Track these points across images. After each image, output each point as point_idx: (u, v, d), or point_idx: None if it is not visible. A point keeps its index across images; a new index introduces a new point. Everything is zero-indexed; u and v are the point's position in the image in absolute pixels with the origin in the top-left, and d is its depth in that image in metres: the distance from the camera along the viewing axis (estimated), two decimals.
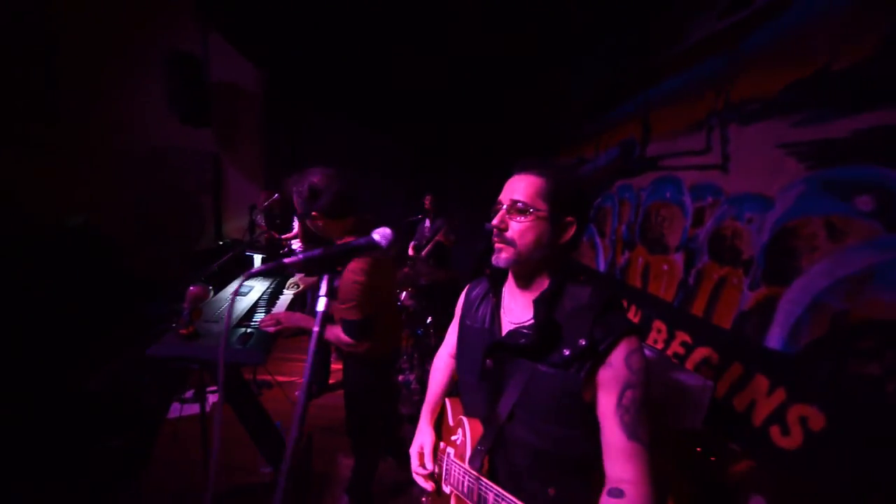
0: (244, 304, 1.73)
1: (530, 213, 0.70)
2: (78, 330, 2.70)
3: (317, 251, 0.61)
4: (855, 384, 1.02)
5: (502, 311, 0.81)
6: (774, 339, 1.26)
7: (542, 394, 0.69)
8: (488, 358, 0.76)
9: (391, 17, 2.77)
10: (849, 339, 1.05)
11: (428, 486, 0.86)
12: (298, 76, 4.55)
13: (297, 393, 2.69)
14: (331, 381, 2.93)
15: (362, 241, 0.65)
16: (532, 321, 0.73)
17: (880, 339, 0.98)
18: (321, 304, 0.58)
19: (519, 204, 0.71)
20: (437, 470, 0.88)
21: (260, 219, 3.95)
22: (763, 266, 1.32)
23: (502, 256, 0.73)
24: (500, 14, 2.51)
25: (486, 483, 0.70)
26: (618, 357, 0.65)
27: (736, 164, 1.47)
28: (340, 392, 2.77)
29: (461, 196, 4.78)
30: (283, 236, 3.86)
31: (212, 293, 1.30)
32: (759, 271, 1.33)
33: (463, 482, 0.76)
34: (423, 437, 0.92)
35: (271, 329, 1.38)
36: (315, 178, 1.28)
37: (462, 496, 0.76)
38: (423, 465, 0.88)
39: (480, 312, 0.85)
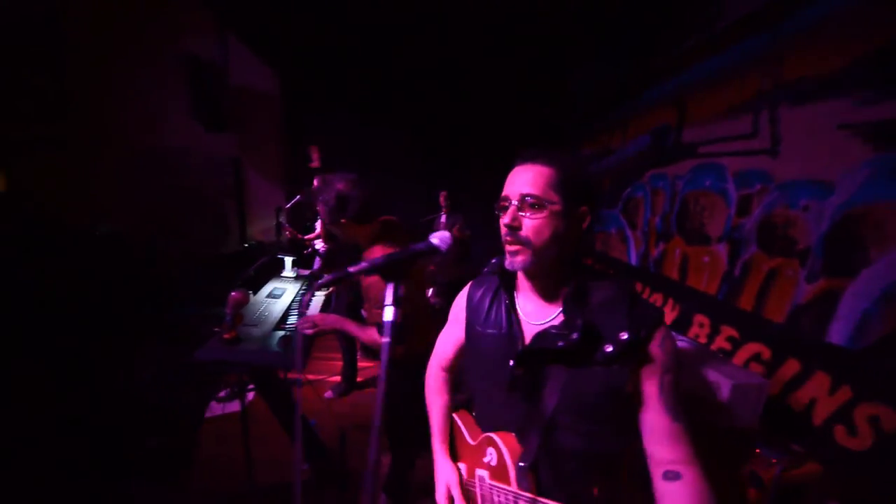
0: (279, 307, 1.75)
1: (544, 207, 0.65)
2: (111, 335, 2.81)
3: (380, 259, 0.59)
4: None
5: (518, 312, 0.76)
6: (837, 333, 1.18)
7: (586, 394, 0.66)
8: (519, 366, 0.71)
9: (406, 15, 2.74)
10: None
11: None
12: (315, 77, 4.59)
13: (326, 394, 2.73)
14: (359, 380, 2.97)
15: (422, 245, 0.63)
16: (560, 321, 0.69)
17: None
18: (389, 314, 0.57)
19: (530, 199, 0.65)
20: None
21: (284, 220, 4.02)
22: (823, 256, 1.24)
23: (518, 259, 0.68)
24: (519, 8, 2.43)
25: (544, 503, 0.64)
26: (654, 346, 0.66)
27: (788, 148, 1.39)
28: (370, 390, 2.83)
29: (476, 192, 4.74)
30: (307, 237, 3.92)
31: (251, 297, 1.32)
32: (819, 262, 1.25)
33: (511, 502, 0.69)
34: (447, 474, 0.83)
35: (309, 331, 1.39)
36: (340, 185, 1.28)
37: None
38: None
39: (493, 316, 0.78)
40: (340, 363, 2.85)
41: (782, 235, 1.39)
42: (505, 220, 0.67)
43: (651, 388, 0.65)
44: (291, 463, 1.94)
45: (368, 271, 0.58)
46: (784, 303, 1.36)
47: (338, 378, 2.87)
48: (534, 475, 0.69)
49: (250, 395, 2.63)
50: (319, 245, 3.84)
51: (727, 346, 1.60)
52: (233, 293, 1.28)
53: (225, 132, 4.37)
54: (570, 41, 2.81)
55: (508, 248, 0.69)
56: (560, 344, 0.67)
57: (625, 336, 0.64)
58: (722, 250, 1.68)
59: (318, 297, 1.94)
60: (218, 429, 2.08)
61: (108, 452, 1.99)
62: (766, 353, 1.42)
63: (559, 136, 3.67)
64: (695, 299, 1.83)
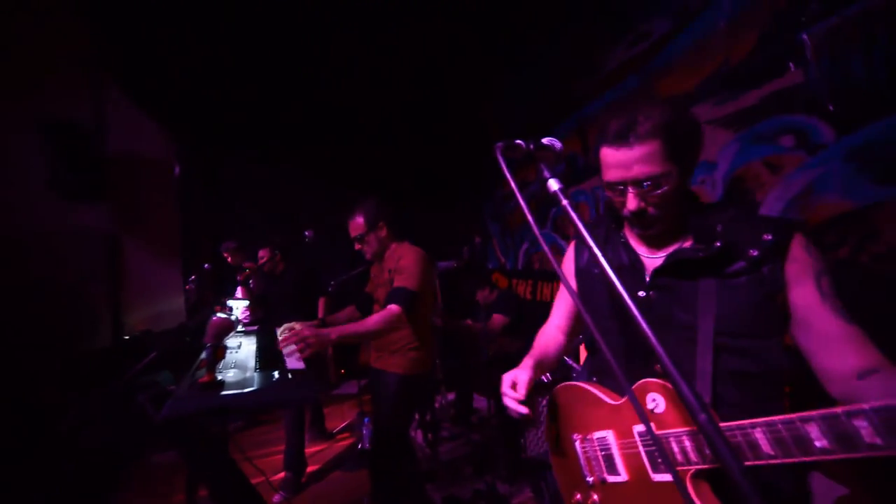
0: (244, 355, 1.39)
1: (665, 181, 0.64)
2: None
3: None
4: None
5: (635, 249, 0.75)
6: None
7: (741, 307, 0.62)
8: (651, 289, 0.69)
9: (307, 54, 2.84)
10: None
11: (523, 409, 0.73)
12: (217, 137, 4.26)
13: (275, 499, 2.04)
14: (310, 469, 2.35)
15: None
16: (690, 242, 0.68)
17: (838, 232, 1.30)
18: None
19: (648, 182, 0.64)
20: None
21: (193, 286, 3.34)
22: None
23: (652, 232, 0.69)
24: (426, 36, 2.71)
25: (748, 422, 0.53)
26: (798, 249, 0.61)
27: None
28: (331, 476, 2.30)
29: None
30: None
31: (238, 324, 1.02)
32: None
33: (701, 444, 0.57)
34: (522, 372, 0.78)
35: (300, 354, 1.12)
36: (367, 200, 1.59)
37: (706, 463, 0.57)
38: (515, 392, 0.75)
39: (611, 254, 0.77)
40: (279, 456, 2.20)
41: None
42: (630, 206, 0.66)
43: (809, 293, 0.59)
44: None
45: None
46: None
47: (281, 474, 2.19)
48: (717, 410, 0.61)
49: None
50: (241, 314, 3.26)
51: None
52: (214, 318, 0.99)
53: (98, 203, 3.64)
54: (482, 77, 3.21)
55: (639, 230, 0.70)
56: (700, 254, 0.64)
57: (768, 237, 0.62)
58: None
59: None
60: None
61: None
62: None
63: (477, 172, 4.07)
64: None
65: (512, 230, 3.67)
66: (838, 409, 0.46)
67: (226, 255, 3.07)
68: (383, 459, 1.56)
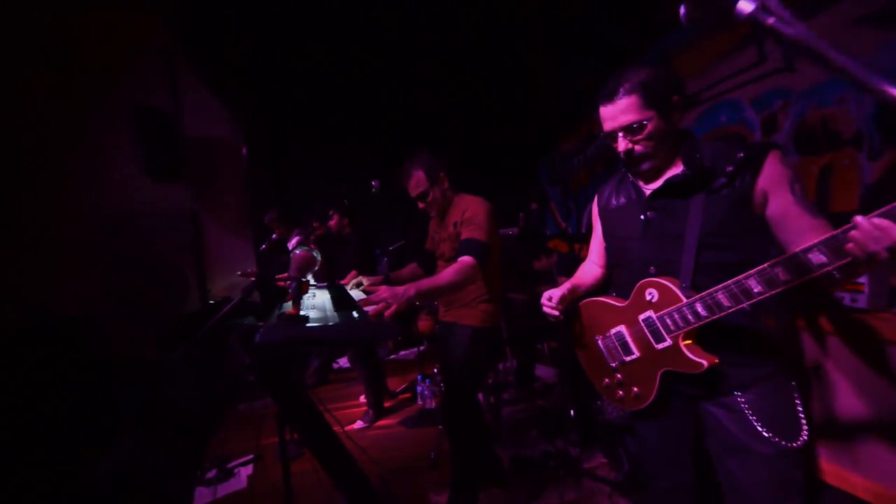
0: (320, 301, 1.42)
1: (645, 125, 0.80)
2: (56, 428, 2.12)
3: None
4: None
5: (641, 185, 0.92)
6: None
7: (722, 212, 0.78)
8: (649, 210, 0.88)
9: (370, 35, 2.82)
10: None
11: (556, 312, 0.98)
12: (279, 117, 4.45)
13: (357, 425, 2.44)
14: (387, 405, 2.54)
15: None
16: (681, 170, 0.84)
17: None
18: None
19: (632, 127, 0.80)
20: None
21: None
22: (880, 133, 1.32)
23: (645, 167, 0.85)
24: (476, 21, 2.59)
25: (714, 289, 0.74)
26: (773, 163, 0.75)
27: (802, 61, 1.54)
28: (394, 430, 2.38)
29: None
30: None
31: (319, 258, 1.01)
32: (877, 139, 1.33)
33: (685, 313, 0.79)
34: (557, 290, 1.00)
35: (386, 313, 1.07)
36: (421, 154, 1.52)
37: (692, 323, 0.78)
38: (550, 301, 0.99)
39: (622, 192, 0.97)
40: (350, 410, 2.57)
41: (824, 133, 1.48)
42: (620, 148, 0.83)
43: (784, 197, 0.74)
44: None
45: None
46: (851, 190, 1.40)
47: (355, 424, 2.53)
48: (696, 291, 0.78)
49: (247, 470, 2.09)
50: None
51: None
52: (296, 251, 0.99)
53: (179, 183, 3.99)
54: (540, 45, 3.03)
55: (633, 167, 0.87)
56: (687, 176, 0.81)
57: (741, 154, 0.76)
58: None
59: (357, 294, 1.63)
60: None
61: None
62: None
63: (540, 126, 3.81)
64: None
65: (575, 192, 3.40)
66: (765, 265, 0.68)
67: (273, 227, 3.22)
68: (456, 414, 1.53)
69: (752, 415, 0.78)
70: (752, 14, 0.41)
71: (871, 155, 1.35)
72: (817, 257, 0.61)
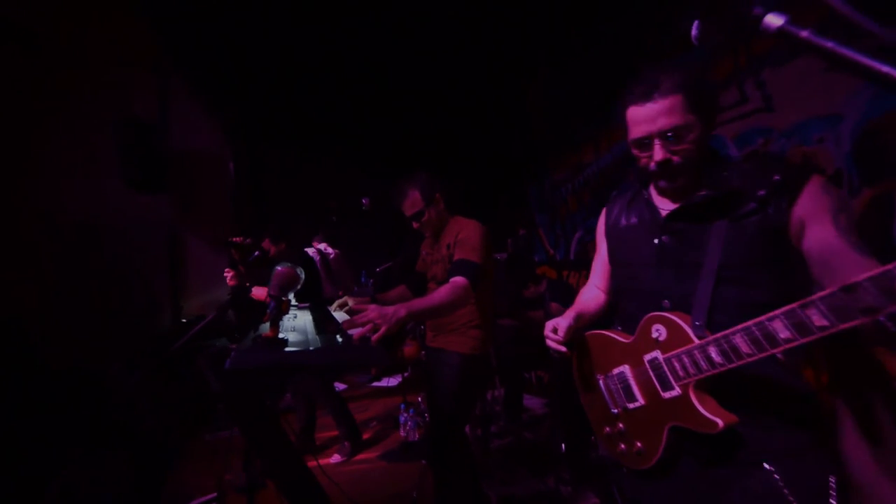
0: (301, 323, 1.33)
1: (689, 132, 0.69)
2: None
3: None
4: None
5: (657, 205, 0.82)
6: None
7: (747, 240, 0.68)
8: (664, 234, 0.77)
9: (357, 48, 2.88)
10: None
11: (562, 349, 0.85)
12: (269, 132, 4.44)
13: (333, 459, 2.30)
14: (365, 436, 2.36)
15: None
16: (704, 192, 0.73)
17: None
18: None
19: (671, 133, 0.69)
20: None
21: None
22: (857, 170, 1.37)
23: (678, 184, 0.74)
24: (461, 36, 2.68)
25: (731, 331, 0.62)
26: (814, 189, 0.64)
27: (781, 101, 1.62)
28: (374, 465, 2.23)
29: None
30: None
31: (302, 276, 0.94)
32: (855, 176, 1.38)
33: (696, 358, 0.67)
34: (563, 319, 0.87)
35: (374, 336, 0.99)
36: (418, 174, 1.49)
37: (705, 371, 0.66)
38: (555, 335, 0.86)
39: (634, 211, 0.86)
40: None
41: None
42: (657, 157, 0.70)
43: (825, 229, 0.62)
44: None
45: None
46: None
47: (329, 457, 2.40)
48: (712, 332, 0.66)
49: None
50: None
51: None
52: (278, 268, 0.92)
53: (161, 195, 3.87)
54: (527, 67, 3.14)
55: (664, 182, 0.74)
56: (708, 197, 0.71)
57: (777, 177, 0.66)
58: None
59: (340, 315, 1.54)
60: None
61: None
62: None
63: (525, 156, 3.90)
64: None
65: (563, 219, 3.44)
66: (794, 304, 0.54)
67: (267, 245, 3.08)
68: (442, 448, 1.42)
69: (789, 495, 0.62)
70: (782, 27, 0.40)
71: (850, 192, 1.40)
72: (864, 298, 0.46)
